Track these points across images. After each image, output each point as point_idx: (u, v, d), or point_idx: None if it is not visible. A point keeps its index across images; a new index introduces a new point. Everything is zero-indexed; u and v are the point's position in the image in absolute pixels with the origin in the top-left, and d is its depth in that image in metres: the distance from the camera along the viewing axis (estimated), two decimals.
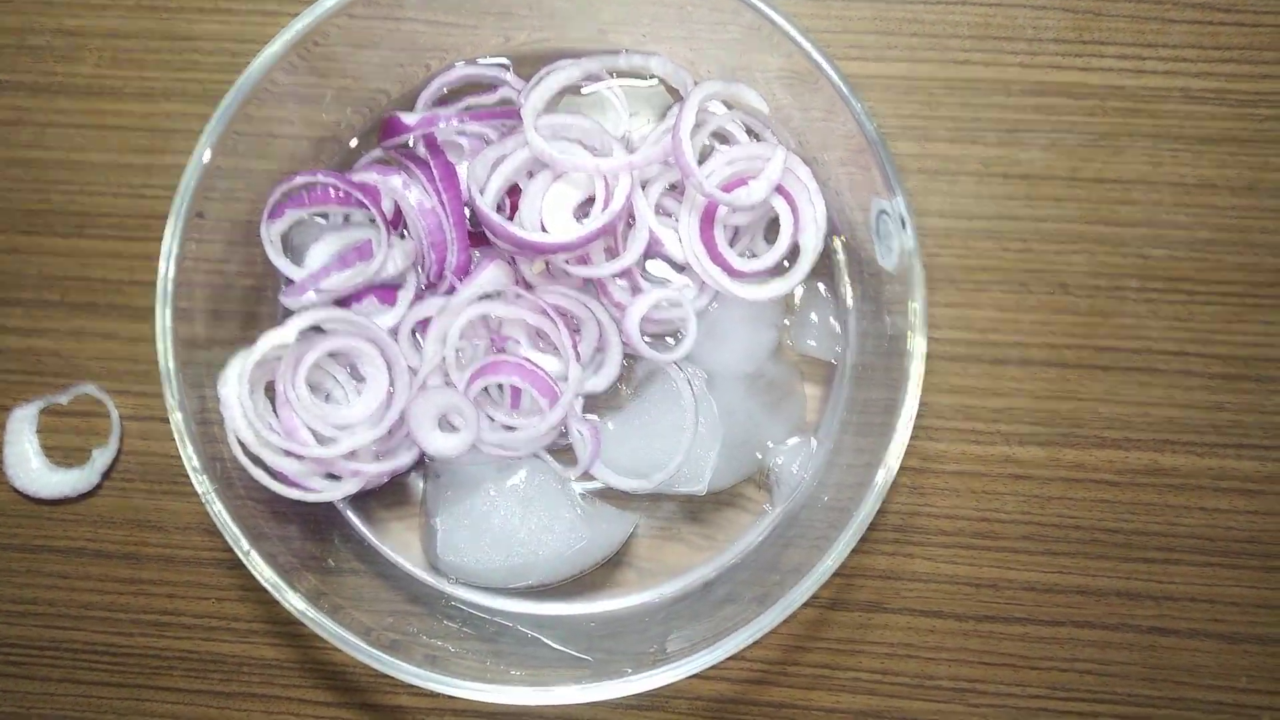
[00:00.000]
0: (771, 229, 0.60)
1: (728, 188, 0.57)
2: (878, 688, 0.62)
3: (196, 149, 0.53)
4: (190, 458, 0.52)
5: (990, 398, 0.62)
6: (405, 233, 0.59)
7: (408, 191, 0.57)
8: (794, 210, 0.58)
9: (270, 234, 0.58)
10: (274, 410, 0.56)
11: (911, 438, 0.60)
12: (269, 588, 0.52)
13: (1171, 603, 0.61)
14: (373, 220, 0.58)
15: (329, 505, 0.61)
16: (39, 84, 0.65)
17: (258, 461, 0.55)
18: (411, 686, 0.51)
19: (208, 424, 0.54)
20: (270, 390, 0.57)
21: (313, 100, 0.59)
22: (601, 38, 0.61)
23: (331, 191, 0.58)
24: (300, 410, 0.55)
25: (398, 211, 0.59)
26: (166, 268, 0.53)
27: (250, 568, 0.52)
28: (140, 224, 0.65)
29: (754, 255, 0.59)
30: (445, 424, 0.58)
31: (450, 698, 0.50)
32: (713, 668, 0.51)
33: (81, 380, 0.64)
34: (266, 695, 0.63)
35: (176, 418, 0.52)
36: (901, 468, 0.52)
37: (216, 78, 0.65)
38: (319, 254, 0.58)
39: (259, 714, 0.63)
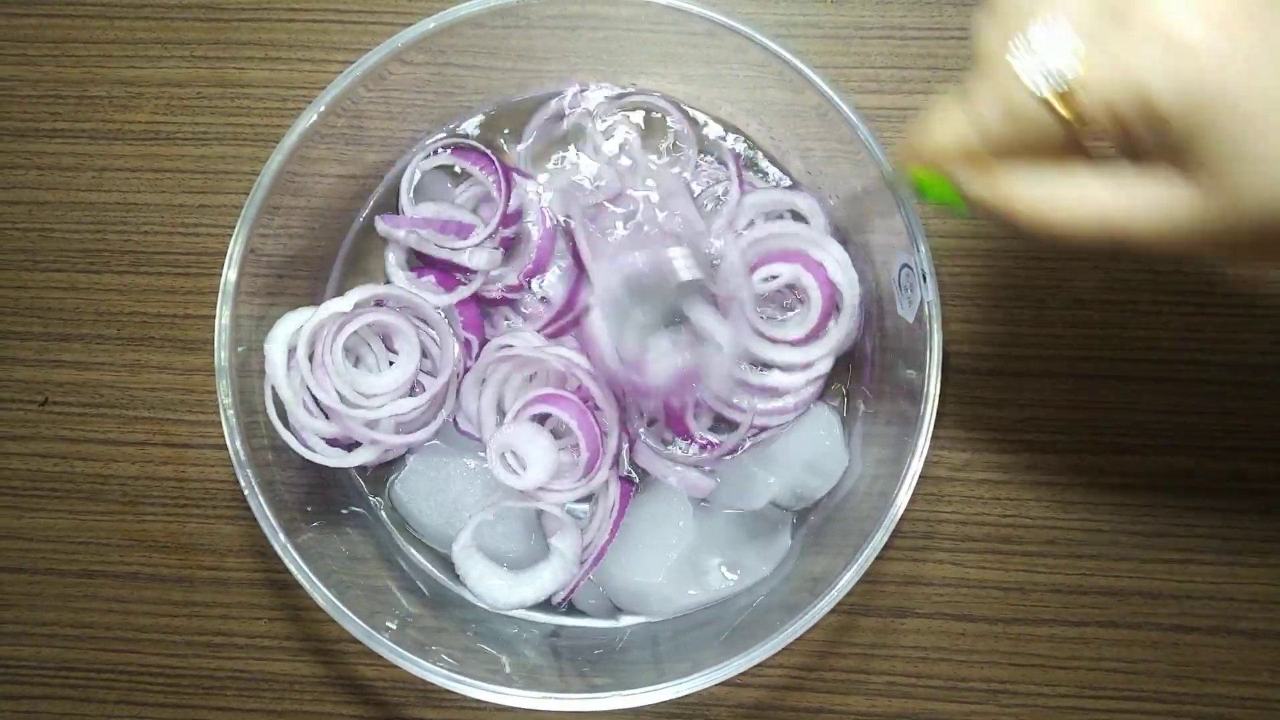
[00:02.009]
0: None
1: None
2: (912, 690, 0.63)
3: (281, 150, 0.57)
4: (237, 451, 0.55)
5: (1012, 408, 0.65)
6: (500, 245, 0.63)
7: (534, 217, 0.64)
8: (824, 280, 0.61)
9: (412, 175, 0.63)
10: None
11: (937, 448, 0.63)
12: (299, 578, 0.54)
13: (1192, 601, 0.63)
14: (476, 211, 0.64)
15: (361, 508, 0.64)
16: (98, 131, 0.69)
17: (295, 435, 0.58)
18: (452, 695, 0.53)
19: (253, 418, 0.57)
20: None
21: (360, 141, 0.62)
22: (631, 80, 0.65)
23: (494, 164, 0.62)
24: (332, 373, 0.58)
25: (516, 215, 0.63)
26: (229, 273, 0.56)
27: (283, 558, 0.54)
28: (193, 261, 0.68)
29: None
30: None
31: (484, 706, 0.51)
32: (745, 674, 0.53)
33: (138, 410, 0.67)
34: (317, 713, 0.65)
35: (228, 415, 0.55)
36: (927, 476, 0.54)
37: (267, 121, 0.68)
38: (429, 209, 0.63)
39: None
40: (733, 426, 0.62)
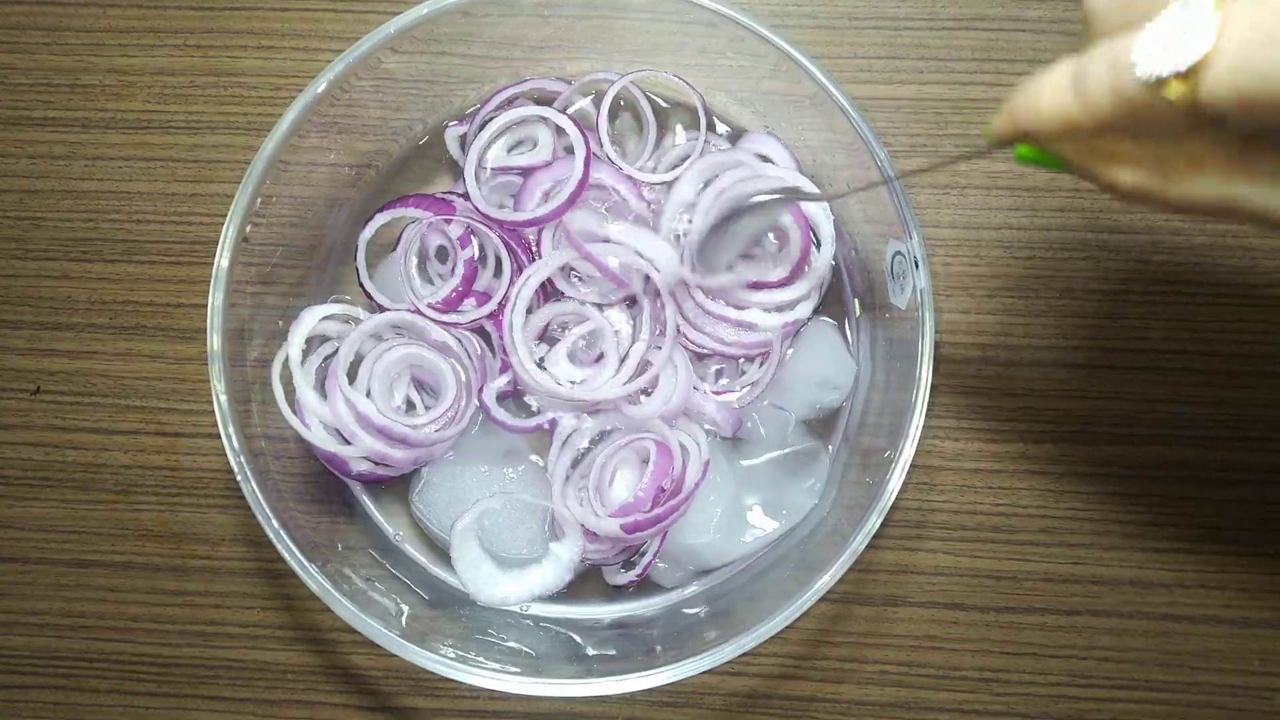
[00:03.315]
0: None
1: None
2: (905, 679, 0.64)
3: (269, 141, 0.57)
4: (230, 435, 0.55)
5: (1004, 398, 0.65)
6: None
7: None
8: (799, 214, 0.61)
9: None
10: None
11: (930, 437, 0.64)
12: (293, 565, 0.54)
13: (1183, 590, 0.63)
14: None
15: (355, 503, 0.64)
16: (90, 119, 0.69)
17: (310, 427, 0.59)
18: (447, 684, 0.53)
19: (246, 406, 0.57)
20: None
21: (352, 130, 0.62)
22: (627, 67, 0.65)
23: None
24: (374, 400, 0.59)
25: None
26: (221, 260, 0.56)
27: (277, 545, 0.54)
28: (186, 250, 0.68)
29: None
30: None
31: (477, 694, 0.51)
32: (738, 662, 0.53)
33: (130, 399, 0.67)
34: (310, 702, 0.65)
35: (221, 400, 0.55)
36: (920, 466, 0.54)
37: (260, 110, 0.68)
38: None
39: None
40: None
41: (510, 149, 0.64)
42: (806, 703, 0.64)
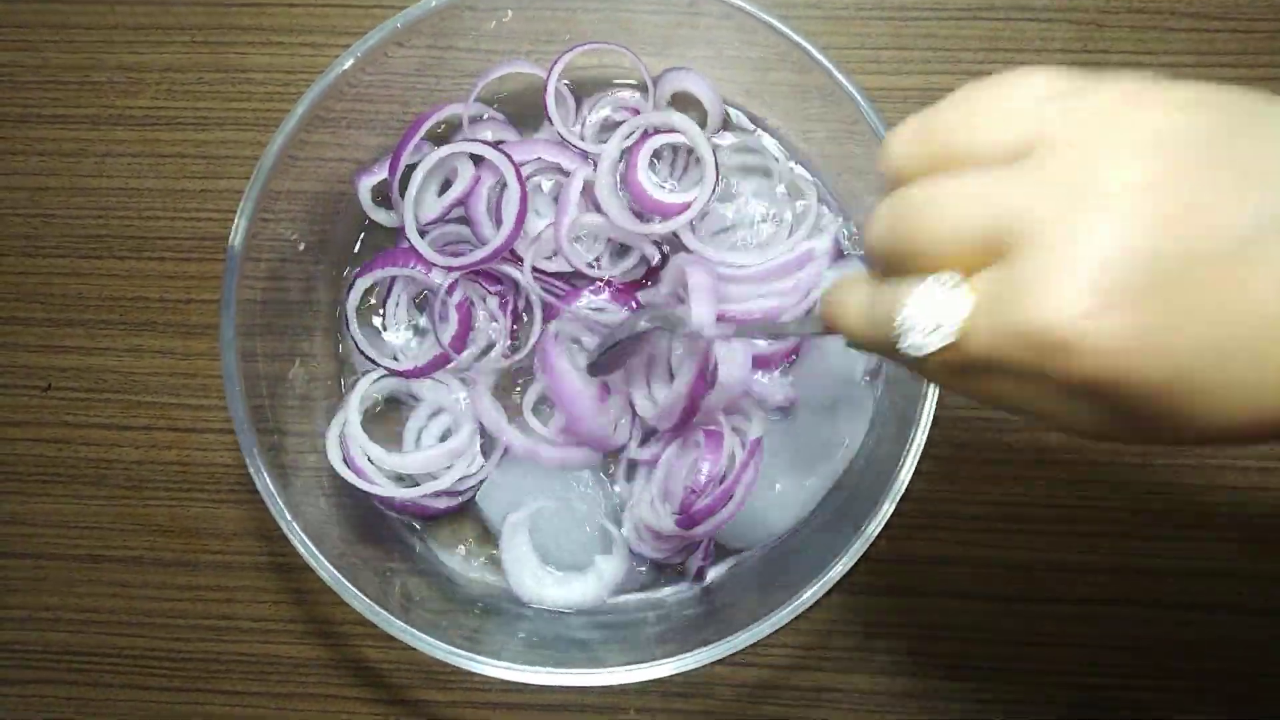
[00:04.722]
0: None
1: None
2: (916, 669, 0.63)
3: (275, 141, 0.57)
4: (242, 427, 0.55)
5: None
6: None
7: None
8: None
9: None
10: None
11: (942, 428, 0.63)
12: (306, 557, 0.54)
13: (1198, 578, 0.63)
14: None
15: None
16: (100, 116, 0.69)
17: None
18: (458, 675, 0.53)
19: (258, 401, 0.57)
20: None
21: (361, 125, 0.62)
22: (636, 61, 0.65)
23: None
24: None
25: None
26: (236, 241, 0.56)
27: (290, 538, 0.54)
28: (196, 246, 0.68)
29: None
30: None
31: (490, 686, 0.50)
32: (748, 652, 0.53)
33: (141, 394, 0.67)
34: (322, 695, 0.65)
35: (234, 392, 0.55)
36: (932, 456, 0.54)
37: (268, 106, 0.68)
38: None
39: (315, 713, 0.65)
40: None
41: (440, 191, 0.63)
42: (817, 693, 0.64)
